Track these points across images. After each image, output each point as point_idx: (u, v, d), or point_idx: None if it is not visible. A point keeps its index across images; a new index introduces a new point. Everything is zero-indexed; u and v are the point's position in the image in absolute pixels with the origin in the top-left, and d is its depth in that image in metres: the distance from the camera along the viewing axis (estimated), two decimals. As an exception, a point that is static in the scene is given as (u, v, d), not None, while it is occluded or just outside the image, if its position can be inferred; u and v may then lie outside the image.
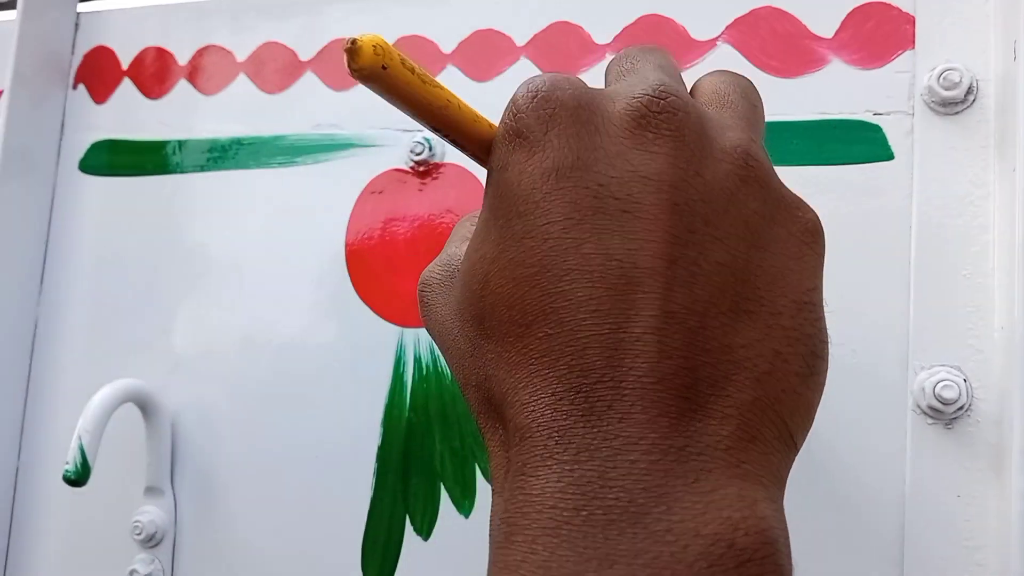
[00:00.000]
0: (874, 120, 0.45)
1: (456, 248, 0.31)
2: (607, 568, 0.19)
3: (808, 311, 0.24)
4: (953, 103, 0.43)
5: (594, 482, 0.20)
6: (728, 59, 0.47)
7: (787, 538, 0.23)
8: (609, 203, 0.23)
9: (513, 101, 0.26)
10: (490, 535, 0.24)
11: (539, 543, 0.20)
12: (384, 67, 0.25)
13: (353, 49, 0.24)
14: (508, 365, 0.24)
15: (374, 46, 0.24)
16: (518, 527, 0.21)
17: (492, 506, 0.24)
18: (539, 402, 0.22)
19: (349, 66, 0.24)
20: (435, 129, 0.28)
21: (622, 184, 0.23)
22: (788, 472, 0.25)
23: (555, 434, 0.21)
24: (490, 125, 0.28)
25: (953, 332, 0.42)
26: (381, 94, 0.26)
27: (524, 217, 0.24)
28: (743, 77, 0.31)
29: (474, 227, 0.28)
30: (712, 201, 0.24)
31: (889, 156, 0.44)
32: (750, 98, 0.30)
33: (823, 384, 0.25)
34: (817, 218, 0.26)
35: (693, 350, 0.22)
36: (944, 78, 0.43)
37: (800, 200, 0.26)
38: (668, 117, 0.24)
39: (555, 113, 0.25)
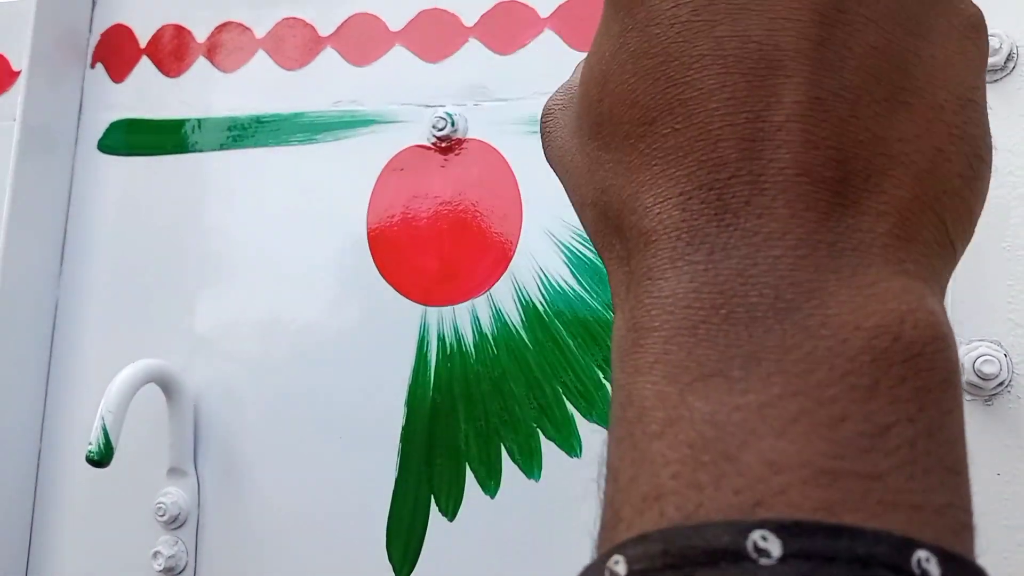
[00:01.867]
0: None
1: (578, 74, 0.28)
2: (754, 365, 0.18)
3: (972, 109, 0.22)
4: (992, 70, 0.42)
5: (732, 280, 0.19)
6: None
7: (953, 343, 0.20)
8: None
9: None
10: (613, 353, 0.21)
11: (673, 343, 0.19)
12: None
13: None
14: (629, 169, 0.22)
15: None
16: (648, 329, 0.19)
17: (614, 327, 0.22)
18: (665, 203, 0.20)
19: None
20: None
21: None
22: (947, 275, 0.22)
23: (684, 235, 0.20)
24: None
25: (992, 306, 0.41)
26: None
27: (648, 2, 0.22)
28: None
29: None
30: None
31: (926, 126, 0.43)
32: None
33: (986, 191, 0.23)
34: (980, 12, 0.23)
35: (844, 140, 0.20)
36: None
37: None
38: None
39: None
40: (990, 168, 0.23)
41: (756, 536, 0.16)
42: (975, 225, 0.22)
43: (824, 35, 0.20)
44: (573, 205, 0.25)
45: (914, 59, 0.21)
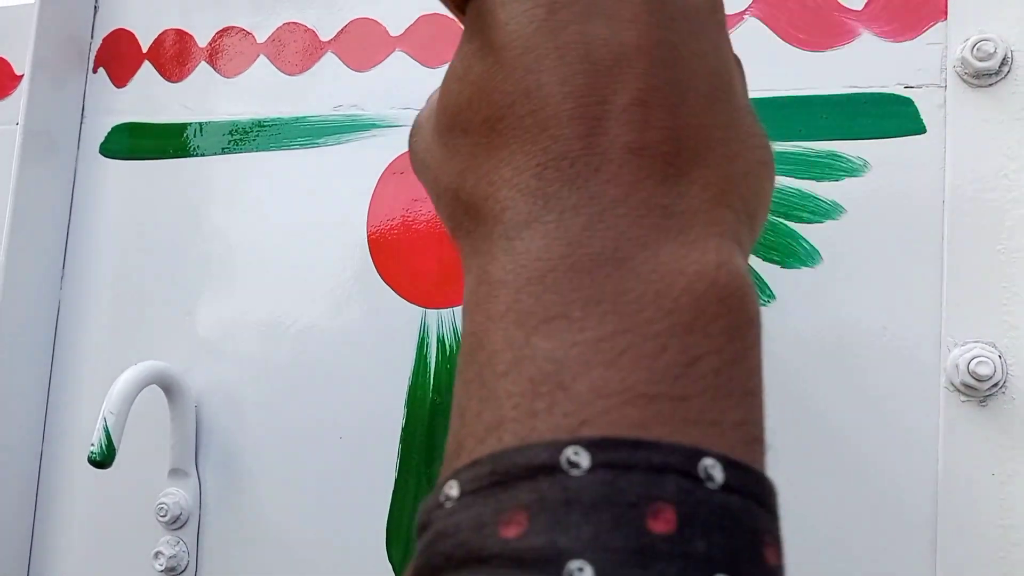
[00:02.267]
0: (906, 93, 0.44)
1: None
2: (593, 307, 0.20)
3: (748, 113, 0.26)
4: (987, 74, 0.42)
5: (580, 234, 0.21)
6: (755, 33, 0.46)
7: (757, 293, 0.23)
8: None
9: None
10: (465, 305, 0.24)
11: (524, 292, 0.21)
12: None
13: None
14: (488, 149, 0.24)
15: None
16: (501, 283, 0.21)
17: (465, 285, 0.24)
18: (523, 174, 0.23)
19: None
20: None
21: None
22: (750, 248, 0.26)
23: (539, 200, 0.22)
24: None
25: (987, 308, 0.41)
26: None
27: (510, 4, 0.24)
28: None
29: None
30: (684, 3, 0.25)
31: (921, 130, 0.43)
32: None
33: (772, 176, 0.27)
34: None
35: (676, 123, 0.23)
36: (978, 49, 0.42)
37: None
38: None
39: None
40: (773, 158, 0.27)
41: (569, 452, 0.18)
42: (768, 200, 0.27)
43: (661, 37, 0.24)
44: (432, 199, 0.27)
45: (724, 68, 0.25)
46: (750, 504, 0.19)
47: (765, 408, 0.23)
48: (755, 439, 0.21)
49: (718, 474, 0.19)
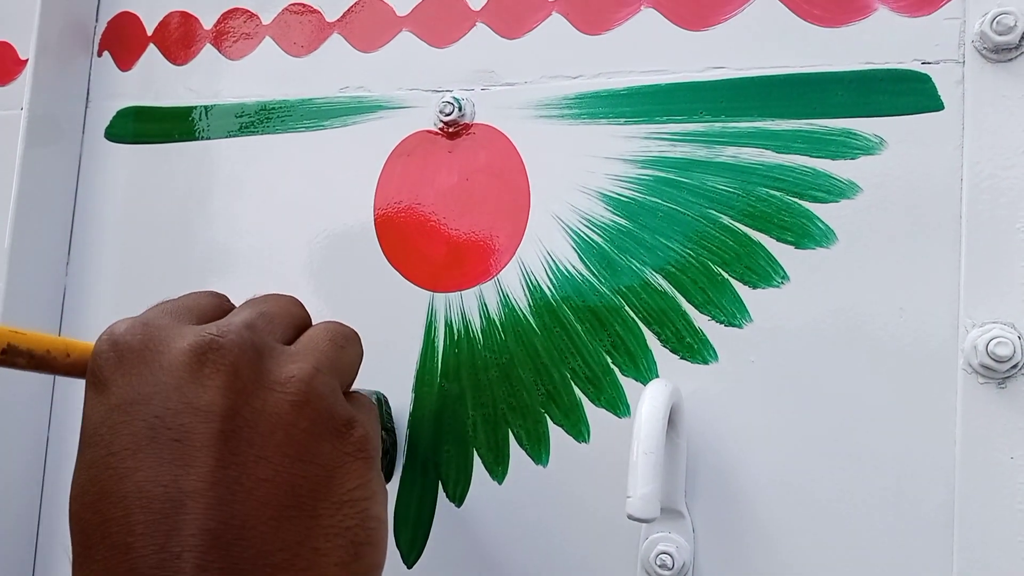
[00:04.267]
0: (923, 69, 0.43)
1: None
2: None
3: (349, 507, 0.30)
4: (1007, 49, 0.41)
5: None
6: (769, 8, 0.46)
7: None
8: (162, 433, 0.27)
9: (96, 345, 0.31)
10: None
11: None
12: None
13: None
14: (93, 549, 0.27)
15: None
16: None
17: None
18: None
19: None
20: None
21: (176, 415, 0.28)
22: None
23: None
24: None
25: (1006, 288, 0.40)
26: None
27: (92, 448, 0.28)
28: (344, 327, 0.37)
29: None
30: (259, 425, 0.28)
31: (939, 106, 0.42)
32: (337, 341, 0.35)
33: (372, 566, 0.31)
34: (367, 434, 0.32)
35: (229, 561, 0.26)
36: (998, 22, 0.41)
37: (354, 419, 0.32)
38: (224, 353, 0.29)
39: (123, 355, 0.30)
40: (377, 544, 0.31)
41: None
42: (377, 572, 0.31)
43: (218, 476, 0.27)
44: None
45: (300, 480, 0.28)
46: None
47: None
48: None
49: None
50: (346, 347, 0.36)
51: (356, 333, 0.37)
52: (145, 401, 0.28)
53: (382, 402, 0.49)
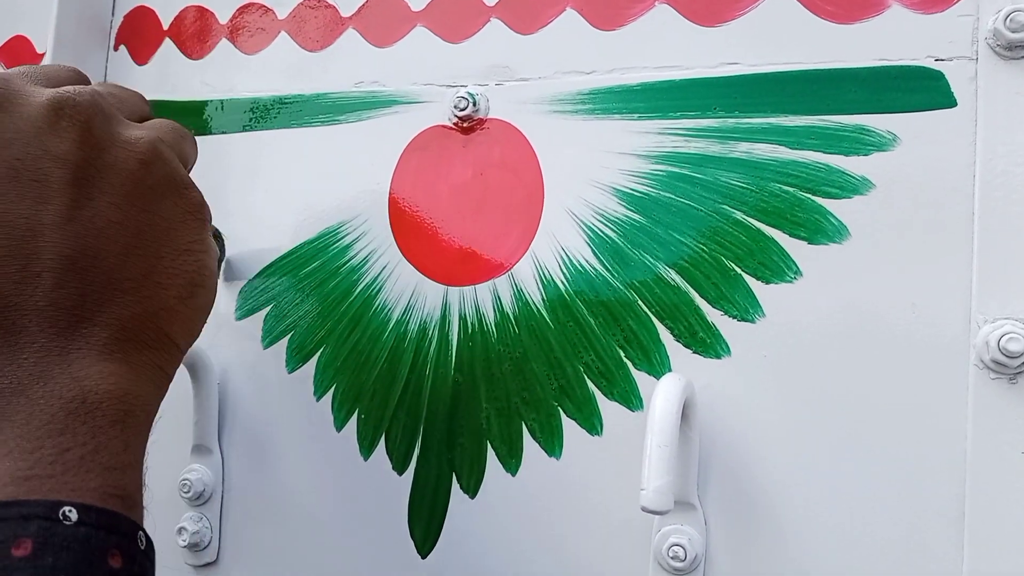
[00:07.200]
0: (936, 66, 0.43)
1: None
2: (5, 424, 0.29)
3: (187, 255, 0.35)
4: (1021, 46, 0.41)
5: (1, 373, 0.30)
6: (783, 4, 0.46)
7: (146, 400, 0.33)
8: (23, 173, 0.31)
9: None
10: None
11: None
12: None
13: None
14: None
15: None
16: None
17: None
18: None
19: None
20: None
21: (36, 159, 0.32)
22: (171, 362, 0.36)
23: None
24: None
25: (1019, 284, 0.40)
26: None
27: None
28: (184, 127, 0.42)
29: None
30: (110, 176, 0.33)
31: (952, 103, 0.43)
32: (179, 131, 0.40)
33: (204, 305, 0.37)
34: (202, 198, 0.37)
35: (83, 282, 0.31)
36: (1011, 20, 0.41)
37: (193, 184, 0.37)
38: (80, 109, 0.33)
39: None
40: (207, 291, 0.37)
41: None
42: (198, 325, 0.37)
43: (74, 214, 0.32)
44: None
45: (146, 228, 0.34)
46: (98, 532, 0.28)
47: (136, 472, 0.32)
48: (112, 495, 0.30)
49: (73, 515, 0.28)
50: (186, 138, 0.40)
51: (194, 136, 0.42)
52: (6, 145, 0.31)
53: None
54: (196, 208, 0.36)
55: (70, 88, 0.34)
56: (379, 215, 0.53)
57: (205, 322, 0.38)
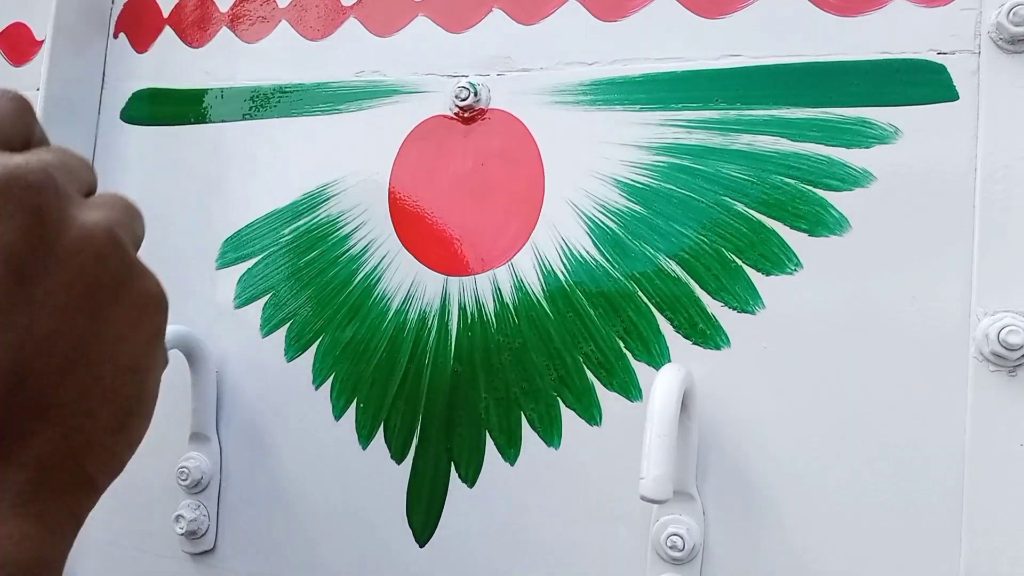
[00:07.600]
0: (938, 60, 0.43)
1: None
2: None
3: (131, 375, 0.29)
4: (1023, 40, 0.41)
5: None
6: (786, -3, 0.46)
7: (57, 564, 0.28)
8: None
9: None
10: None
11: None
12: None
13: None
14: None
15: None
16: None
17: None
18: None
19: None
20: None
21: None
22: (88, 506, 0.29)
23: None
24: None
25: (1019, 277, 0.41)
26: None
27: None
28: (131, 201, 0.34)
29: None
30: (59, 274, 0.27)
31: (954, 96, 0.43)
32: (129, 209, 0.33)
33: (135, 439, 0.30)
34: (162, 291, 0.31)
35: (5, 409, 0.26)
36: (1014, 14, 0.41)
37: (148, 272, 0.31)
38: (31, 191, 0.27)
39: None
40: (143, 419, 0.30)
41: None
42: (125, 460, 0.30)
43: (8, 321, 0.26)
44: None
45: (91, 338, 0.27)
46: None
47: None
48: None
49: None
50: (136, 218, 0.35)
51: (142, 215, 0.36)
52: None
53: None
54: (154, 302, 0.31)
55: (19, 159, 0.28)
56: (379, 204, 0.53)
57: (132, 455, 0.32)
